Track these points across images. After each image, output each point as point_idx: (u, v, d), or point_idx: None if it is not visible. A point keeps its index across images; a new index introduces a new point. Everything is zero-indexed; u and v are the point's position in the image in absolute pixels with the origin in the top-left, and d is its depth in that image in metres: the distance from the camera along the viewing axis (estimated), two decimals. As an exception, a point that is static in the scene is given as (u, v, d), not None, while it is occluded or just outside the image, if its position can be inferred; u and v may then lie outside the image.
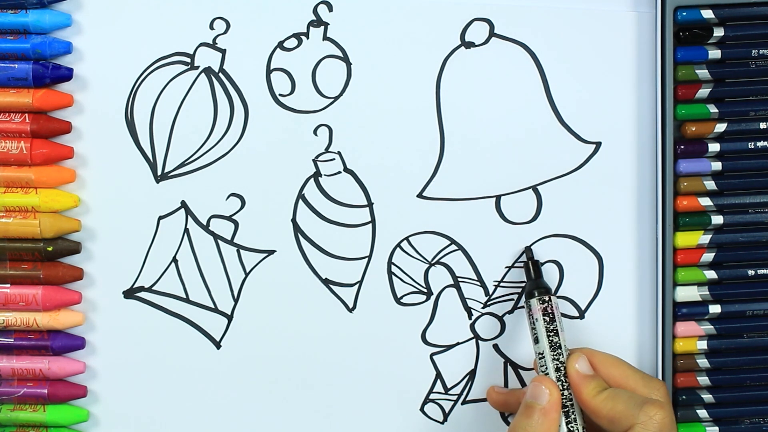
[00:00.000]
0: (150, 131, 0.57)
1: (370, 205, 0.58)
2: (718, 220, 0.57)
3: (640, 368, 0.56)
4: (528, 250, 0.57)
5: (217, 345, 0.59)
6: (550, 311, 0.54)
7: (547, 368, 0.53)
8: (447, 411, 0.60)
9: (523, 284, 0.58)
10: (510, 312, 0.59)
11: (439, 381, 0.59)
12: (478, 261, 0.58)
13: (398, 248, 0.58)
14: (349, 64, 0.57)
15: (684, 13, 0.56)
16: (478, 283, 0.59)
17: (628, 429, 0.50)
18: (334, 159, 0.58)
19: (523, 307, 0.58)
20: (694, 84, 0.57)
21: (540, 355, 0.53)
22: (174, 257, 0.58)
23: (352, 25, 0.57)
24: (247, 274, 0.58)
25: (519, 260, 0.58)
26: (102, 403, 0.59)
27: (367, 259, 0.58)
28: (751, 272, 0.58)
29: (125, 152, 0.57)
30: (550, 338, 0.53)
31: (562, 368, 0.53)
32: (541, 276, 0.56)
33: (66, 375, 0.58)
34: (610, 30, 0.57)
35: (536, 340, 0.53)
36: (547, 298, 0.54)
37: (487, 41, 0.57)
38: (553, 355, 0.53)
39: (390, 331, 0.59)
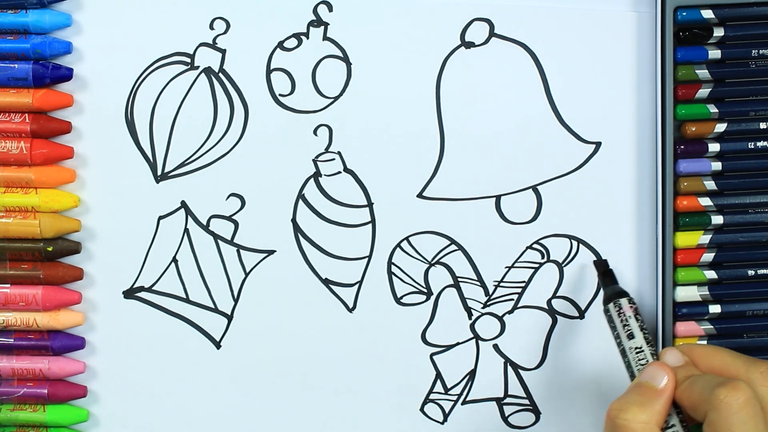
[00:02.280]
0: (150, 131, 0.57)
1: (370, 205, 0.58)
2: (718, 220, 0.57)
3: (640, 368, 0.56)
4: (603, 262, 0.57)
5: (217, 345, 0.59)
6: (638, 311, 0.54)
7: (646, 361, 0.52)
8: (447, 411, 0.60)
9: (522, 284, 0.58)
10: (510, 312, 0.59)
11: (439, 381, 0.59)
12: (478, 261, 0.58)
13: (398, 248, 0.58)
14: (349, 64, 0.57)
15: (684, 13, 0.56)
16: (478, 283, 0.59)
17: (704, 416, 0.46)
18: (334, 159, 0.58)
19: (523, 307, 0.58)
20: (694, 84, 0.57)
21: (638, 349, 0.52)
22: (174, 257, 0.58)
23: (352, 25, 0.57)
24: (247, 274, 0.58)
25: (523, 260, 0.58)
26: (102, 403, 0.59)
27: (367, 259, 0.58)
28: (751, 272, 0.58)
29: (125, 152, 0.57)
30: (645, 334, 0.53)
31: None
32: (617, 281, 0.57)
33: (66, 375, 0.58)
34: (610, 30, 0.57)
35: (630, 336, 0.52)
36: (633, 300, 0.54)
37: (487, 41, 0.57)
38: (651, 350, 0.52)
39: (390, 331, 0.59)
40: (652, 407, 0.48)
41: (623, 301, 0.54)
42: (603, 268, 0.57)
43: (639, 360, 0.52)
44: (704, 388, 0.47)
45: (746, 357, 0.49)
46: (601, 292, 0.58)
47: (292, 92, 0.57)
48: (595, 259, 0.58)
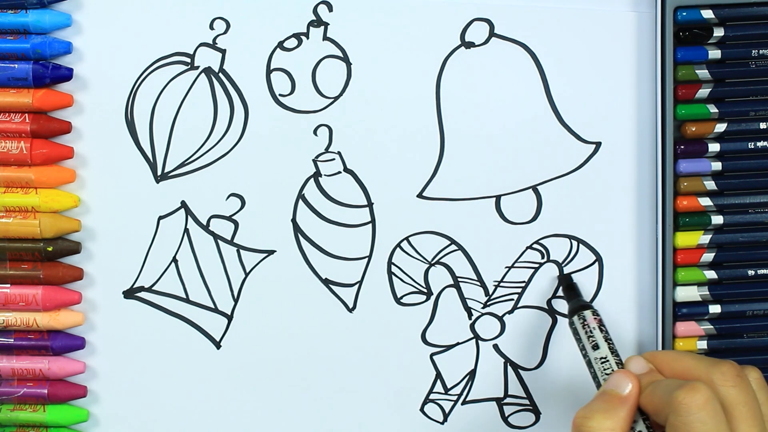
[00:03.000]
0: (150, 131, 0.57)
1: (370, 205, 0.58)
2: (718, 220, 0.57)
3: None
4: (566, 277, 0.58)
5: (217, 345, 0.59)
6: (602, 322, 0.54)
7: (612, 371, 0.52)
8: (447, 411, 0.60)
9: (522, 284, 0.58)
10: (510, 312, 0.59)
11: (439, 381, 0.59)
12: (478, 261, 0.58)
13: (398, 248, 0.58)
14: (349, 64, 0.57)
15: (684, 13, 0.56)
16: (478, 283, 0.59)
17: (666, 420, 0.47)
18: (334, 159, 0.58)
19: (523, 307, 0.59)
20: (694, 84, 0.57)
21: (603, 359, 0.52)
22: (174, 257, 0.58)
23: (352, 25, 0.57)
24: (247, 274, 0.58)
25: (523, 260, 0.58)
26: (102, 403, 0.59)
27: (367, 259, 0.58)
28: (751, 272, 0.58)
29: (125, 152, 0.57)
30: (609, 344, 0.53)
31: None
32: (581, 294, 0.57)
33: (66, 375, 0.58)
34: (610, 30, 0.57)
35: (595, 347, 0.53)
36: (597, 312, 0.55)
37: (487, 41, 0.57)
38: (616, 359, 0.52)
39: (390, 331, 0.59)
40: (617, 414, 0.48)
41: (587, 313, 0.54)
42: (566, 282, 0.58)
43: (604, 370, 0.52)
44: (664, 391, 0.47)
45: (709, 359, 0.49)
46: (602, 292, 0.58)
47: (292, 92, 0.57)
48: (558, 273, 0.58)
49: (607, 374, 0.52)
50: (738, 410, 0.47)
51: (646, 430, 0.49)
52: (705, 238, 0.57)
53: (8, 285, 0.57)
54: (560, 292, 0.58)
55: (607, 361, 0.52)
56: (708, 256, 0.57)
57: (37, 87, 0.56)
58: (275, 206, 0.58)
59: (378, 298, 0.59)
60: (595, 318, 0.54)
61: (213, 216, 0.58)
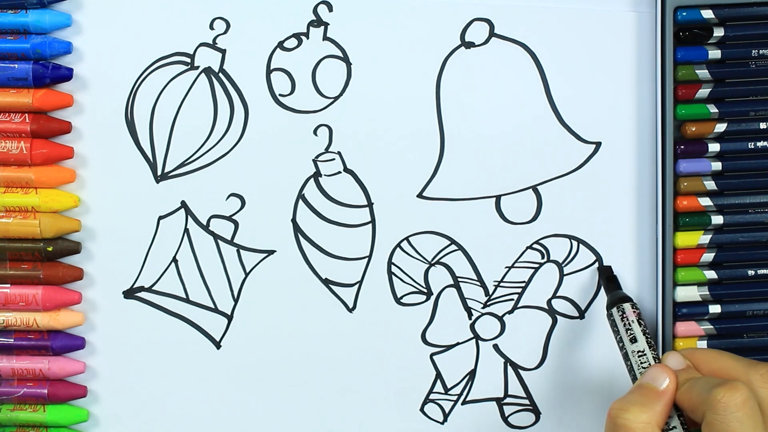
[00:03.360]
0: (150, 131, 0.57)
1: (370, 205, 0.58)
2: (718, 220, 0.57)
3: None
4: (607, 268, 0.58)
5: (217, 345, 0.59)
6: (641, 315, 0.54)
7: (649, 365, 0.52)
8: (447, 411, 0.60)
9: (522, 284, 0.58)
10: (510, 312, 0.59)
11: (439, 381, 0.59)
12: (478, 261, 0.58)
13: (398, 248, 0.58)
14: (349, 64, 0.57)
15: (684, 13, 0.56)
16: (478, 283, 0.59)
17: (703, 417, 0.46)
18: (334, 159, 0.58)
19: (523, 307, 0.59)
20: (694, 84, 0.57)
21: (641, 353, 0.52)
22: (174, 257, 0.58)
23: (352, 25, 0.57)
24: (247, 274, 0.58)
25: (523, 260, 0.58)
26: (102, 403, 0.59)
27: (367, 259, 0.58)
28: (751, 272, 0.58)
29: (125, 152, 0.57)
30: (647, 338, 0.53)
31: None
32: (621, 287, 0.57)
33: (66, 375, 0.58)
34: (610, 30, 0.57)
35: (633, 340, 0.53)
36: (636, 305, 0.55)
37: (487, 41, 0.57)
38: (653, 354, 0.52)
39: (390, 331, 0.59)
40: (653, 408, 0.48)
41: (626, 306, 0.54)
42: (607, 274, 0.57)
43: (641, 363, 0.52)
44: (703, 389, 0.47)
45: (747, 360, 0.50)
46: (602, 292, 0.58)
47: (292, 92, 0.57)
48: (598, 265, 0.58)
49: (644, 368, 0.52)
50: None
51: (680, 427, 0.49)
52: (705, 238, 0.57)
53: (8, 285, 0.57)
54: (561, 291, 0.58)
55: (645, 354, 0.52)
56: (708, 256, 0.57)
57: (37, 87, 0.56)
58: (275, 206, 0.58)
59: (378, 298, 0.59)
60: (634, 311, 0.54)
61: (213, 216, 0.58)
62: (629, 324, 0.54)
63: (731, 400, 0.45)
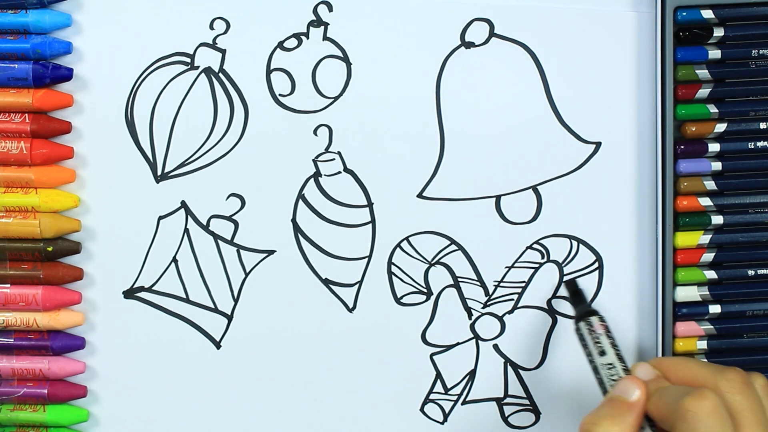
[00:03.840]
0: (150, 131, 0.57)
1: (370, 205, 0.58)
2: (718, 220, 0.57)
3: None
4: (572, 282, 0.58)
5: (217, 345, 0.59)
6: (608, 328, 0.54)
7: (618, 377, 0.52)
8: (447, 411, 0.60)
9: (522, 284, 0.58)
10: (510, 312, 0.59)
11: (439, 381, 0.59)
12: (478, 261, 0.58)
13: (398, 248, 0.58)
14: (349, 64, 0.57)
15: (684, 13, 0.56)
16: (478, 283, 0.59)
17: (673, 427, 0.47)
18: (334, 159, 0.58)
19: (523, 307, 0.59)
20: (694, 84, 0.57)
21: (610, 365, 0.52)
22: (174, 257, 0.58)
23: (352, 25, 0.57)
24: (247, 274, 0.58)
25: (523, 260, 0.58)
26: (102, 403, 0.59)
27: (367, 259, 0.58)
28: (751, 272, 0.58)
29: (125, 152, 0.57)
30: (616, 351, 0.53)
31: None
32: (587, 300, 0.57)
33: (66, 375, 0.58)
34: (610, 30, 0.57)
35: (602, 353, 0.53)
36: (603, 318, 0.55)
37: (487, 41, 0.57)
38: (622, 366, 0.52)
39: (390, 331, 0.59)
40: (624, 420, 0.48)
41: (594, 319, 0.54)
42: (573, 288, 0.58)
43: (611, 376, 0.52)
44: (672, 398, 0.47)
45: (715, 366, 0.50)
46: (601, 292, 0.58)
47: (292, 92, 0.57)
48: (566, 279, 0.58)
49: (613, 380, 0.52)
50: (744, 417, 0.47)
51: None
52: (705, 238, 0.57)
53: (8, 285, 0.57)
54: (561, 293, 0.58)
55: (614, 367, 0.52)
56: (708, 256, 0.57)
57: (37, 87, 0.56)
58: (275, 206, 0.58)
59: (378, 298, 0.59)
60: (601, 324, 0.54)
61: (213, 216, 0.58)
62: (597, 337, 0.54)
63: (700, 408, 0.46)
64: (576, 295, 0.57)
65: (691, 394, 0.46)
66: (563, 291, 0.58)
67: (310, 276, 0.58)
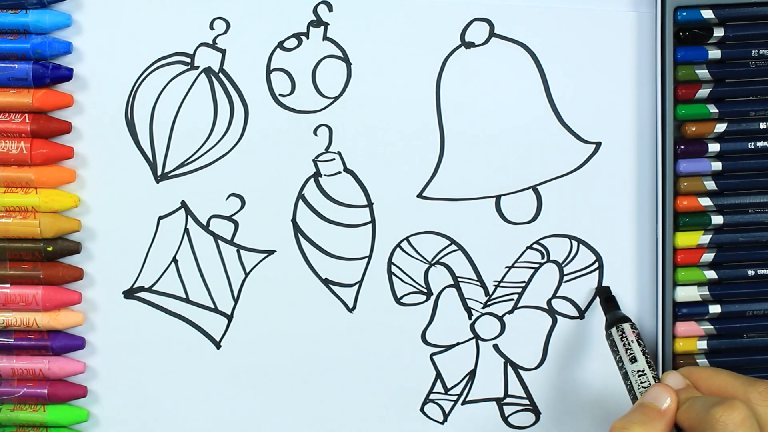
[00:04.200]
0: (150, 131, 0.57)
1: (370, 205, 0.58)
2: (718, 220, 0.57)
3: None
4: (605, 289, 0.58)
5: (217, 345, 0.59)
6: (640, 335, 0.55)
7: (649, 384, 0.52)
8: (447, 411, 0.60)
9: (522, 284, 0.58)
10: (510, 312, 0.59)
11: (439, 381, 0.59)
12: (478, 261, 0.58)
13: (398, 248, 0.58)
14: (349, 64, 0.57)
15: (684, 13, 0.56)
16: (478, 283, 0.59)
17: None
18: (334, 159, 0.58)
19: (523, 307, 0.59)
20: (694, 84, 0.57)
21: (641, 372, 0.53)
22: (174, 257, 0.58)
23: (352, 25, 0.57)
24: (247, 274, 0.58)
25: (523, 260, 0.58)
26: (102, 403, 0.59)
27: (367, 259, 0.58)
28: (751, 272, 0.58)
29: (125, 152, 0.57)
30: (647, 358, 0.53)
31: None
32: (619, 307, 0.57)
33: (66, 375, 0.58)
34: (610, 30, 0.57)
35: (633, 360, 0.53)
36: (635, 325, 0.55)
37: (487, 41, 0.57)
38: (653, 373, 0.52)
39: (390, 331, 0.59)
40: (654, 427, 0.48)
41: (626, 326, 0.55)
42: (606, 294, 0.58)
43: (641, 383, 0.52)
44: (702, 408, 0.47)
45: (746, 377, 0.50)
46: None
47: (292, 92, 0.57)
48: (597, 285, 0.58)
49: (644, 387, 0.52)
50: None
51: None
52: (705, 238, 0.57)
53: (8, 285, 0.57)
54: (561, 291, 0.58)
55: (645, 374, 0.52)
56: (708, 256, 0.57)
57: (37, 87, 0.56)
58: (275, 206, 0.58)
59: (378, 298, 0.59)
60: (633, 331, 0.54)
61: (213, 216, 0.58)
62: (629, 344, 0.54)
63: (729, 418, 0.46)
64: (609, 302, 0.57)
65: (722, 404, 0.46)
66: (563, 291, 0.58)
67: (310, 276, 0.58)
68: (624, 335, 0.54)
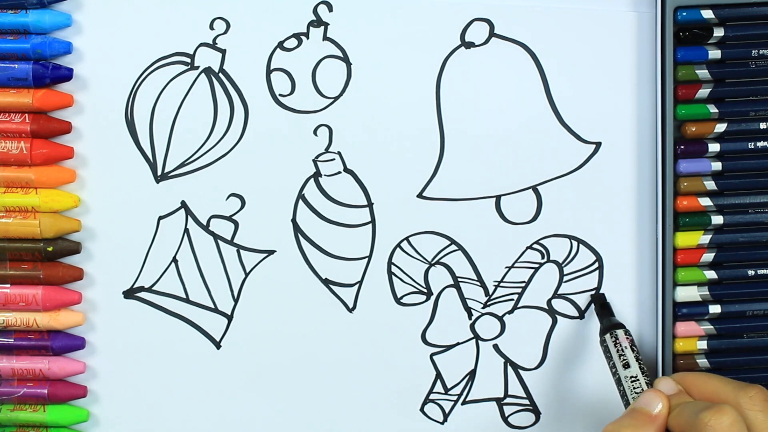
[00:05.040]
0: (150, 131, 0.57)
1: (370, 205, 0.58)
2: (718, 220, 0.57)
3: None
4: (600, 296, 0.58)
5: (217, 345, 0.59)
6: (633, 342, 0.55)
7: (641, 390, 0.52)
8: (447, 411, 0.60)
9: (522, 284, 0.58)
10: (510, 312, 0.59)
11: (439, 381, 0.59)
12: (478, 261, 0.58)
13: (398, 248, 0.58)
14: (349, 64, 0.57)
15: (684, 13, 0.56)
16: (478, 283, 0.59)
17: None
18: (334, 159, 0.58)
19: (523, 307, 0.59)
20: (694, 84, 0.57)
21: (633, 378, 0.53)
22: (174, 257, 0.58)
23: (352, 25, 0.57)
24: (247, 274, 0.58)
25: (523, 260, 0.58)
26: (102, 403, 0.59)
27: (367, 259, 0.58)
28: (751, 272, 0.58)
29: (125, 152, 0.57)
30: (640, 364, 0.53)
31: None
32: (614, 313, 0.57)
33: (66, 375, 0.58)
34: (610, 30, 0.57)
35: (626, 366, 0.53)
36: (629, 332, 0.55)
37: (487, 41, 0.57)
38: (646, 379, 0.52)
39: (390, 331, 0.59)
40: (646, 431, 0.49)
41: (619, 332, 0.55)
42: (600, 301, 0.58)
43: (634, 389, 0.52)
44: (691, 413, 0.47)
45: (737, 382, 0.50)
46: (601, 292, 0.58)
47: (292, 92, 0.57)
48: (594, 292, 0.58)
49: (636, 393, 0.52)
50: None
51: None
52: (705, 238, 0.57)
53: (8, 285, 0.57)
54: (561, 291, 0.59)
55: (638, 380, 0.53)
56: (708, 256, 0.57)
57: (37, 87, 0.56)
58: (275, 206, 0.58)
59: (378, 298, 0.59)
60: (627, 337, 0.54)
61: (213, 216, 0.58)
62: (622, 350, 0.54)
63: (718, 423, 0.46)
64: (603, 308, 0.57)
65: (710, 409, 0.46)
66: (563, 291, 0.58)
67: (310, 276, 0.58)
68: (617, 341, 0.54)
